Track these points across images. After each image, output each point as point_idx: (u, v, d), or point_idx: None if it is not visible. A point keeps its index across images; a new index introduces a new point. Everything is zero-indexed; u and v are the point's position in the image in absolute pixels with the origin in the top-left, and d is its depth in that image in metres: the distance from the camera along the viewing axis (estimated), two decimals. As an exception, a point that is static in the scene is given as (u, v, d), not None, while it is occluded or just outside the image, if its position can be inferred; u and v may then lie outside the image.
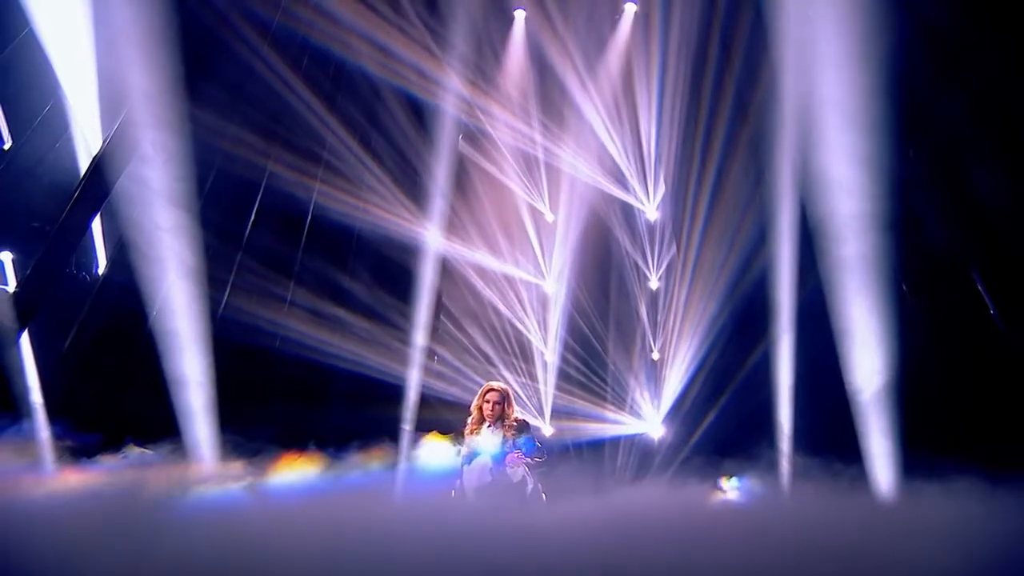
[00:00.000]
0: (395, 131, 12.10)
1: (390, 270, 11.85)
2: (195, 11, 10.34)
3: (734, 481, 9.65)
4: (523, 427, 7.20)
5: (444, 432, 7.95)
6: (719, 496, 9.49)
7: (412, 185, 12.11)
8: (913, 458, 8.31)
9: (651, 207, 12.83)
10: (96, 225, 10.80)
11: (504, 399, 7.26)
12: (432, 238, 11.62)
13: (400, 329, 11.49)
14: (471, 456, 7.14)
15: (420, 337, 11.31)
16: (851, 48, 8.75)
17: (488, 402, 7.22)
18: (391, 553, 5.08)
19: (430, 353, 11.77)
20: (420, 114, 12.16)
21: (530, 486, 6.96)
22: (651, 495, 9.04)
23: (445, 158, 11.57)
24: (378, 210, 11.88)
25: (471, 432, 7.24)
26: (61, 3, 10.09)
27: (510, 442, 7.07)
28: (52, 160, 10.38)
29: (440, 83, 11.64)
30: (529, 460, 6.99)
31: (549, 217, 13.22)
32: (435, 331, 12.06)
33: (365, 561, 5.00)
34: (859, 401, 8.80)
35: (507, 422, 7.15)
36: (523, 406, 11.93)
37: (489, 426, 7.18)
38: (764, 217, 10.26)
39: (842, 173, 8.85)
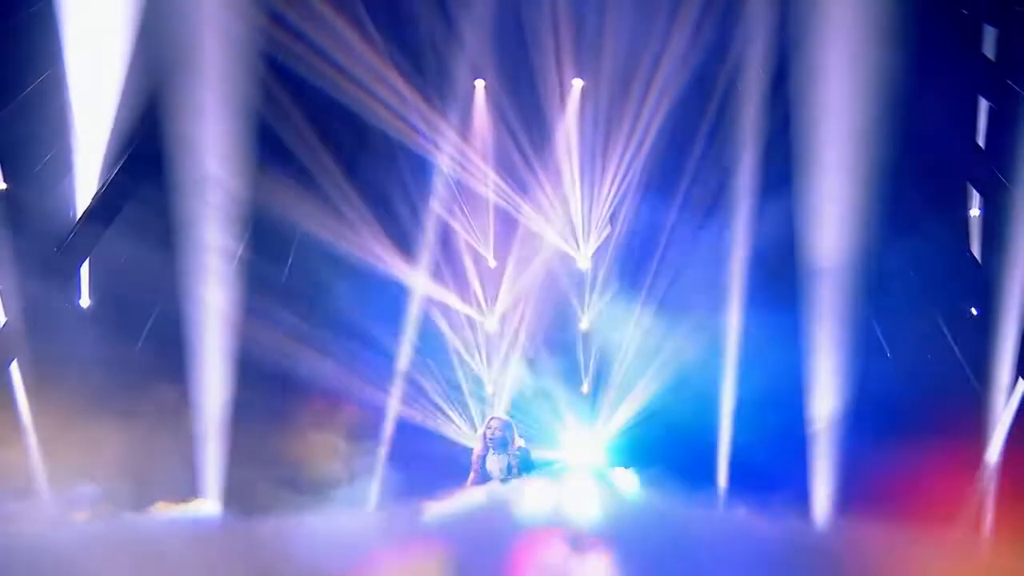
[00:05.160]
0: (378, 170, 13.21)
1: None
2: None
3: None
4: (525, 454, 8.49)
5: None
6: None
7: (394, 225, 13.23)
8: (854, 489, 9.22)
9: (585, 256, 14.29)
10: (84, 261, 11.31)
11: (506, 428, 8.54)
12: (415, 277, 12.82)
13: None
14: (479, 480, 8.40)
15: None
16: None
17: (491, 430, 8.50)
18: None
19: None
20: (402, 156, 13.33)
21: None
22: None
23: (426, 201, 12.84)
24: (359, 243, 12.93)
25: (477, 458, 8.50)
26: (99, 40, 10.17)
27: (514, 467, 8.36)
28: (49, 202, 10.76)
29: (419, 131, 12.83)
30: (532, 483, 8.25)
31: (491, 263, 14.50)
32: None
33: None
34: (811, 430, 9.61)
35: (510, 449, 8.41)
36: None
37: (494, 453, 8.45)
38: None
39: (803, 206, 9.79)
